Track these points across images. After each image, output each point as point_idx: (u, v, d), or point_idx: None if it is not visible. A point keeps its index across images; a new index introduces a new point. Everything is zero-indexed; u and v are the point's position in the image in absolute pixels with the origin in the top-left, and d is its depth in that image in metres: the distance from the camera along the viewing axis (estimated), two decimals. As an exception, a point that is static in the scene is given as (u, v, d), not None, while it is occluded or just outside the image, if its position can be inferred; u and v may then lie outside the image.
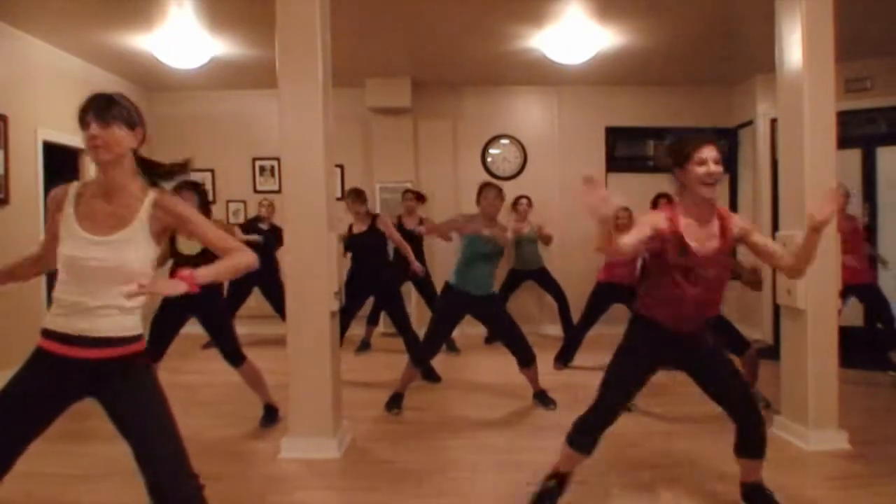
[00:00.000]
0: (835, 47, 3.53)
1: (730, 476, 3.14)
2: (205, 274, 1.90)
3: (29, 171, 5.41)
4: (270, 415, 4.08)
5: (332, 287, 3.52)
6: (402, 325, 5.20)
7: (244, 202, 7.48)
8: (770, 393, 4.27)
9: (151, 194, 1.98)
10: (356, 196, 5.40)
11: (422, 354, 4.37)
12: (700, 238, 2.51)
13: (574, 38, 5.52)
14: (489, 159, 7.52)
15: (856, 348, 5.44)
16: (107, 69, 6.46)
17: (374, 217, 5.41)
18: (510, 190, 7.11)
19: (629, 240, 2.41)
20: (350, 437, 3.72)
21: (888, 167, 6.10)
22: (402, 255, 5.42)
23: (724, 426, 3.91)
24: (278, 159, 3.88)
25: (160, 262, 3.92)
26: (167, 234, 2.05)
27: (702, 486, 3.05)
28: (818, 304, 3.53)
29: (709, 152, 2.45)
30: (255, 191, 7.48)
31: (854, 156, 6.16)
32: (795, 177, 3.61)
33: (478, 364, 5.76)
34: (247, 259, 2.04)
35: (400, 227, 5.93)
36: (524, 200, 6.76)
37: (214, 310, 3.99)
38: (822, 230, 2.41)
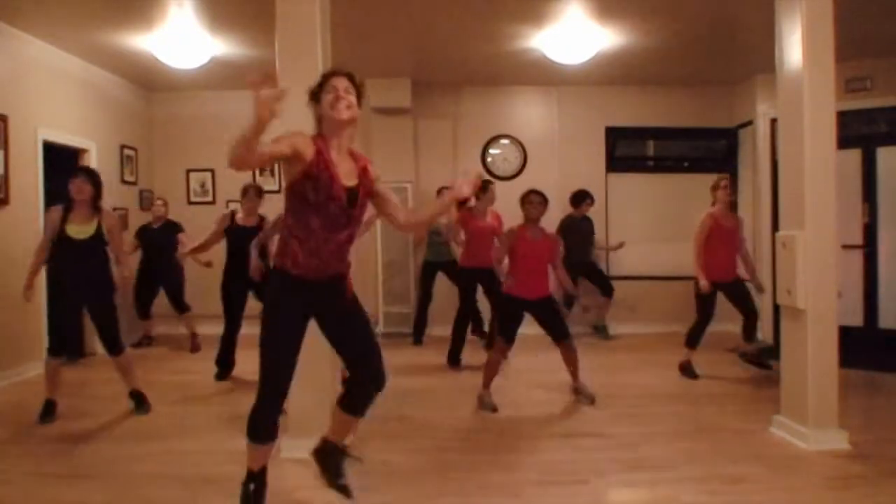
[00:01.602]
0: (835, 47, 3.53)
1: (729, 476, 3.14)
2: None
3: (29, 171, 5.41)
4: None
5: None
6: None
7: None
8: (770, 393, 4.27)
9: None
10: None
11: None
12: (345, 173, 2.48)
13: (574, 38, 5.52)
14: (489, 159, 7.52)
15: (856, 348, 5.45)
16: (107, 69, 6.46)
17: None
18: (511, 190, 7.13)
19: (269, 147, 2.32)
20: (350, 438, 3.71)
21: (888, 167, 6.10)
22: None
23: (723, 427, 3.92)
24: (278, 159, 3.89)
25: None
26: None
27: (701, 486, 3.04)
28: (818, 304, 3.52)
29: (338, 81, 2.47)
30: (255, 191, 7.48)
31: (854, 156, 6.15)
32: (795, 177, 3.60)
33: (477, 365, 5.75)
34: None
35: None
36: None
37: (105, 299, 4.12)
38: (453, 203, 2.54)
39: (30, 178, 5.40)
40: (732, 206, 5.47)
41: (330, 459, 2.76)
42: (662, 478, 3.14)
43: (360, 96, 2.52)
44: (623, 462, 3.36)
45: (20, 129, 5.28)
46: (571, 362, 4.45)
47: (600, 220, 7.38)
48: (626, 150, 7.59)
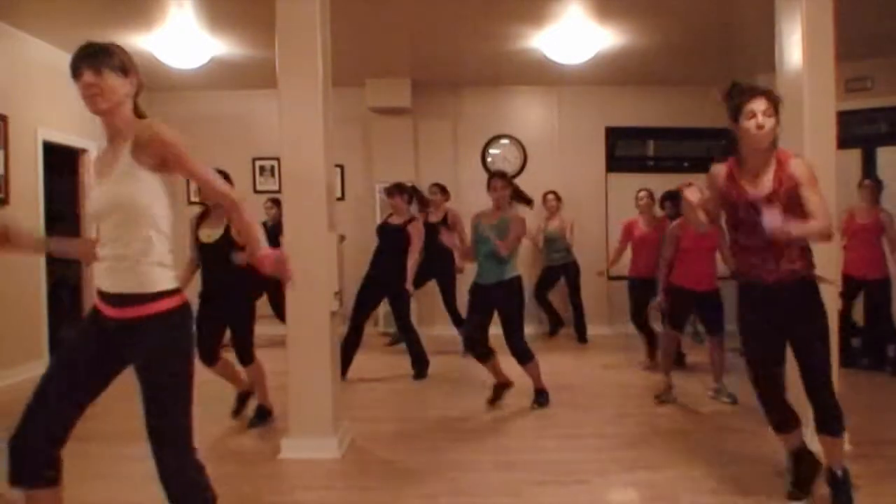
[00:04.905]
0: (835, 47, 3.53)
1: (728, 476, 3.14)
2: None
3: (29, 171, 5.41)
4: (262, 415, 4.06)
5: (332, 287, 3.52)
6: (405, 322, 5.20)
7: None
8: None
9: (138, 126, 1.96)
10: (399, 189, 5.33)
11: (468, 340, 4.50)
12: (761, 184, 2.61)
13: (574, 38, 5.52)
14: (489, 159, 7.52)
15: (856, 348, 5.45)
16: (107, 69, 6.45)
17: (411, 218, 5.28)
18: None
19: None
20: (350, 437, 3.72)
21: (888, 167, 6.10)
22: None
23: (723, 427, 3.92)
24: (278, 159, 3.89)
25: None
26: (170, 167, 2.00)
27: (702, 486, 3.04)
28: (818, 304, 3.51)
29: (756, 104, 2.56)
30: (255, 191, 7.46)
31: (854, 156, 6.15)
32: (795, 177, 3.60)
33: (479, 364, 5.75)
34: (246, 209, 2.07)
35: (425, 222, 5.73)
36: (551, 196, 6.85)
37: (239, 305, 4.00)
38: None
39: (30, 178, 5.40)
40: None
41: (809, 472, 2.83)
42: (662, 478, 3.14)
43: (778, 110, 2.61)
44: (623, 462, 3.36)
45: (20, 129, 5.28)
46: (716, 360, 4.49)
47: (600, 220, 7.39)
48: (626, 151, 7.59)
